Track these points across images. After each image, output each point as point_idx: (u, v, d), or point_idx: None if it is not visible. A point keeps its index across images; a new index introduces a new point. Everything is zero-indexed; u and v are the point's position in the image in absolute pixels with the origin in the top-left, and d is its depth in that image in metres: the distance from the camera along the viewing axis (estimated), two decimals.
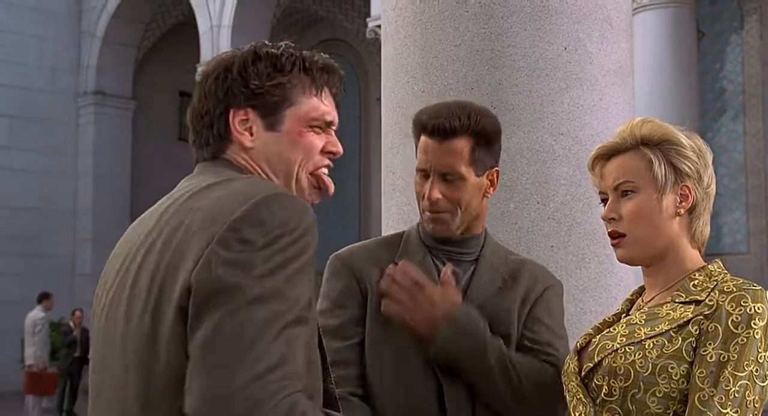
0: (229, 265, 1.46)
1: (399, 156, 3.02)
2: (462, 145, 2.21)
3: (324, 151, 1.77)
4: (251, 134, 1.73)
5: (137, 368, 1.57)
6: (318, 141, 1.76)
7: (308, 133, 1.75)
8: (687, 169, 1.91)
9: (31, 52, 20.31)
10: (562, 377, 1.99)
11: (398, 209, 3.00)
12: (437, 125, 2.21)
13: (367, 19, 15.55)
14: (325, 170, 1.78)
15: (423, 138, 2.25)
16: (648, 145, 1.92)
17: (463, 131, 2.21)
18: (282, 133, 1.73)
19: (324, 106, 1.77)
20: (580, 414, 1.88)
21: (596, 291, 2.80)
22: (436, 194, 2.22)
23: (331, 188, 1.79)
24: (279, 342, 1.43)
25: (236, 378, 1.39)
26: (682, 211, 1.91)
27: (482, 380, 2.18)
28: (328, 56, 1.84)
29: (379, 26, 14.19)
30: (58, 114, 20.62)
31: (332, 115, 1.79)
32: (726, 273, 1.89)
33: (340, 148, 1.79)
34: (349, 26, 20.57)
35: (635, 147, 1.93)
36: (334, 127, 1.80)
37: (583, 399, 1.88)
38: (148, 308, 1.55)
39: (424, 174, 2.26)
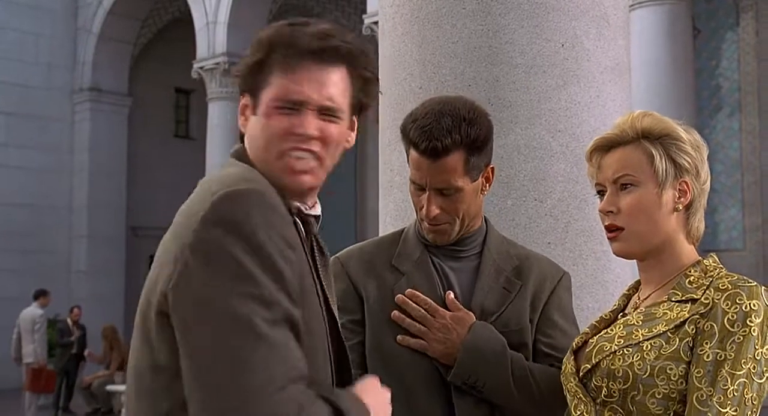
0: (196, 274, 1.47)
1: (396, 153, 3.02)
2: (456, 159, 2.15)
3: (289, 133, 1.65)
4: (246, 120, 1.72)
5: (134, 363, 1.61)
6: (281, 123, 1.65)
7: (275, 114, 1.66)
8: (686, 164, 1.89)
9: (28, 49, 20.27)
10: (561, 377, 1.98)
11: (396, 206, 3.00)
12: (429, 147, 2.13)
13: (363, 16, 15.54)
14: (297, 154, 1.65)
15: (414, 154, 2.18)
16: (649, 138, 1.90)
17: (456, 147, 2.14)
18: (258, 117, 1.68)
19: (294, 85, 1.65)
20: (581, 412, 1.87)
21: (593, 287, 2.80)
22: (435, 210, 2.19)
23: (299, 175, 1.66)
24: (264, 346, 1.42)
25: (230, 396, 1.40)
26: (680, 207, 1.90)
27: (503, 397, 2.17)
28: (336, 27, 1.72)
29: (375, 23, 14.23)
30: (54, 111, 20.59)
31: (303, 94, 1.64)
32: (721, 268, 1.88)
33: (306, 130, 1.64)
34: (345, 23, 20.55)
35: (636, 140, 1.91)
36: (311, 107, 1.65)
37: (584, 399, 1.87)
38: (143, 309, 1.59)
39: (420, 187, 2.21)
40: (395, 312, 2.20)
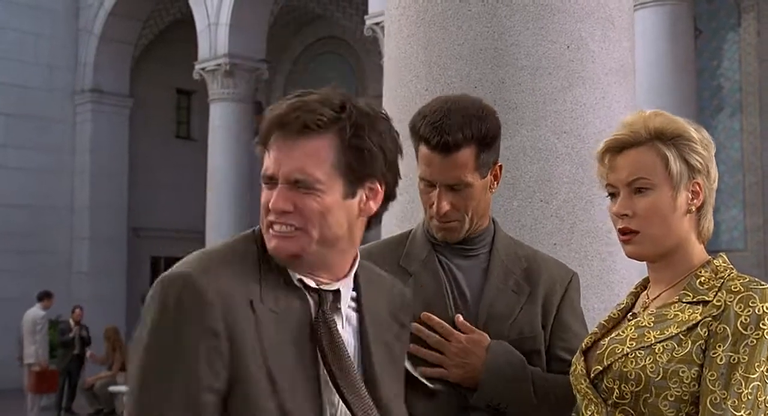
0: (135, 341, 1.64)
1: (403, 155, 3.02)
2: (467, 155, 2.15)
3: (266, 208, 1.69)
4: None
5: None
6: (263, 198, 1.71)
7: (263, 190, 1.71)
8: (698, 164, 1.89)
9: (28, 50, 20.26)
10: (570, 377, 1.97)
11: (401, 207, 3.00)
12: (440, 142, 2.14)
13: (365, 17, 15.53)
14: (277, 228, 1.68)
15: (425, 150, 2.19)
16: (661, 139, 1.88)
17: (467, 142, 2.14)
18: None
19: (268, 160, 1.70)
20: (592, 413, 1.87)
21: (599, 288, 2.81)
22: (446, 206, 2.18)
23: (274, 241, 1.68)
24: None
25: None
26: (693, 208, 1.90)
27: (524, 412, 2.17)
28: (333, 94, 1.73)
29: (376, 24, 14.21)
30: (55, 111, 20.58)
31: (271, 169, 1.68)
32: (732, 269, 1.87)
33: (275, 204, 1.67)
34: (347, 24, 20.56)
35: (649, 141, 1.89)
36: (282, 181, 1.68)
37: (595, 400, 1.87)
38: None
39: (430, 184, 2.21)
40: (412, 345, 2.15)
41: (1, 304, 18.44)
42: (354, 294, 1.80)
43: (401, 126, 3.02)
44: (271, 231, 1.69)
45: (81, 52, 20.85)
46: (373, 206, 1.75)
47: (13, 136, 19.88)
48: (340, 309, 1.75)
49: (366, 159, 1.70)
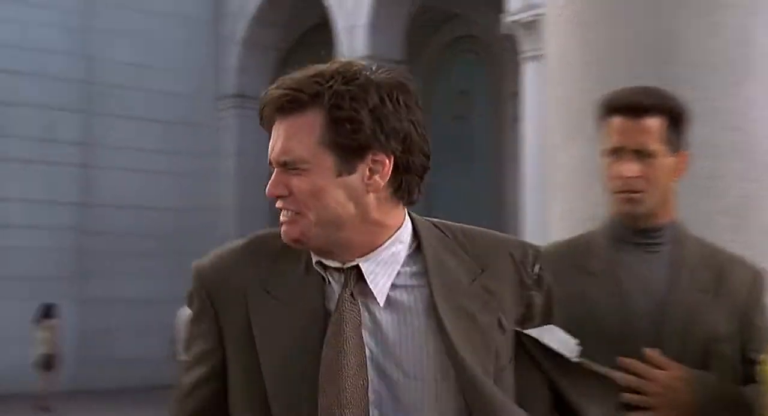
0: None
1: (562, 153, 3.03)
2: (655, 122, 2.19)
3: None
4: None
5: None
6: None
7: None
8: None
9: (177, 58, 20.88)
10: (761, 374, 1.94)
11: (563, 207, 3.01)
12: (632, 103, 2.20)
13: (502, 15, 15.47)
14: (283, 213, 1.62)
15: (614, 118, 2.22)
16: None
17: (656, 109, 2.19)
18: None
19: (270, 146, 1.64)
20: None
21: None
22: (631, 172, 2.17)
23: (281, 228, 1.63)
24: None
25: None
26: None
27: None
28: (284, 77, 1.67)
29: (514, 22, 14.14)
30: (201, 117, 21.15)
31: (269, 154, 1.62)
32: None
33: (268, 190, 1.62)
34: (483, 22, 20.51)
35: None
36: (276, 165, 1.61)
37: None
38: None
39: (616, 154, 2.21)
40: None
41: (152, 306, 19.12)
42: (415, 268, 1.63)
43: (562, 124, 3.04)
44: (281, 217, 1.63)
45: (225, 58, 21.42)
46: (380, 180, 1.59)
47: (164, 142, 20.49)
48: (369, 287, 1.60)
49: (349, 130, 1.56)
